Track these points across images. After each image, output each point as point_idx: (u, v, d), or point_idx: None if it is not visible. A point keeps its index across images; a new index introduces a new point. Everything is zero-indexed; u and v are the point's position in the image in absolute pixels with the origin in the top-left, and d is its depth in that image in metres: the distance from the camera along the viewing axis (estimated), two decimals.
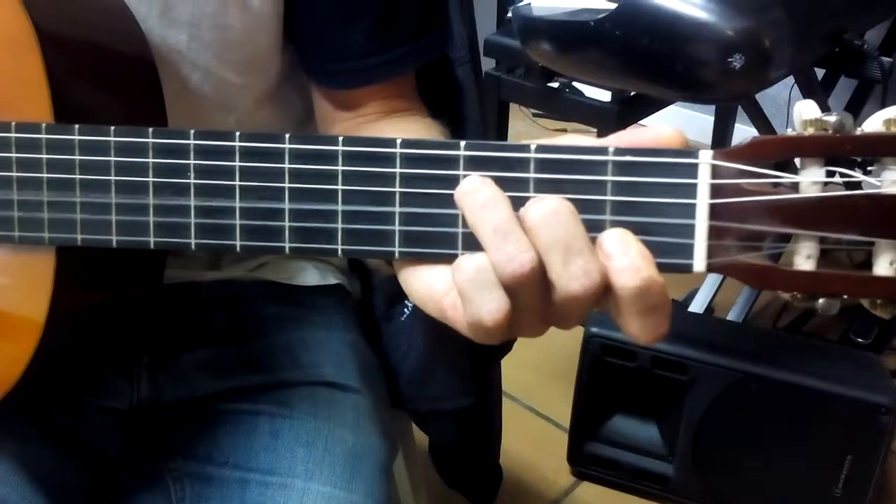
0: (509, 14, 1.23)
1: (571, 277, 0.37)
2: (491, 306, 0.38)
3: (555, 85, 1.62)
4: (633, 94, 1.57)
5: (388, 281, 0.80)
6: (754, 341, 1.32)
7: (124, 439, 0.68)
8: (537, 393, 1.53)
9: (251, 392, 0.67)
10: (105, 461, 0.67)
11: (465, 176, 0.40)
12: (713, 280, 1.59)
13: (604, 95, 1.59)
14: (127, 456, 0.67)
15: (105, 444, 0.67)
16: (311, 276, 0.75)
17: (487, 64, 1.66)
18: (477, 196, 0.39)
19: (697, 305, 1.58)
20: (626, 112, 1.59)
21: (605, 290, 0.38)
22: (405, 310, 0.78)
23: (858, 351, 1.50)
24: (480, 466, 0.96)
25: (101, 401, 0.67)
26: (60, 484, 0.63)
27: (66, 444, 0.65)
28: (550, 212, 0.38)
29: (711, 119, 2.08)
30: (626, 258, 0.37)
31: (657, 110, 1.77)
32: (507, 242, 0.38)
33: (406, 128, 0.64)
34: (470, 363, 0.78)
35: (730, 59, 0.94)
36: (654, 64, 1.01)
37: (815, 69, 1.32)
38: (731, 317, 1.56)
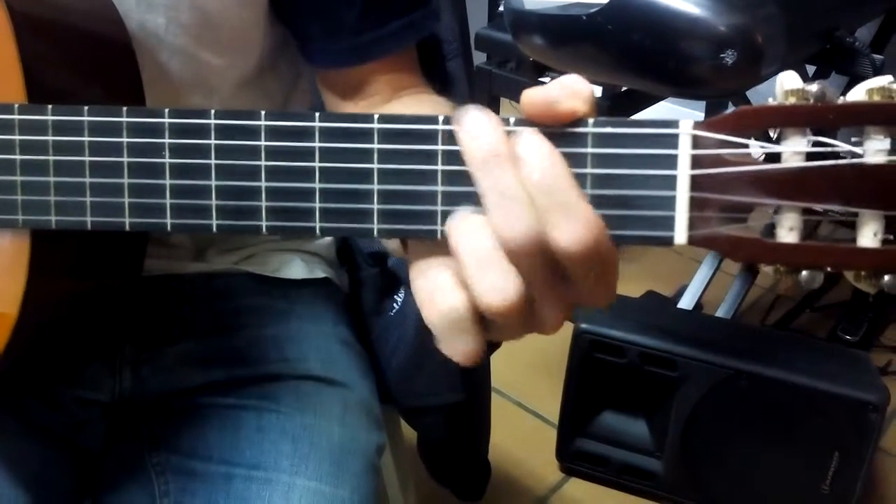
0: (501, 8, 1.22)
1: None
2: (463, 348, 0.38)
3: (546, 79, 1.61)
4: (624, 89, 1.57)
5: (377, 275, 0.79)
6: (743, 338, 1.32)
7: (107, 432, 0.67)
8: (526, 389, 1.53)
9: (236, 386, 0.67)
10: (88, 454, 0.66)
11: (443, 151, 0.39)
12: (702, 277, 1.59)
13: (595, 90, 1.58)
14: (110, 449, 0.67)
15: (88, 438, 0.66)
16: (297, 268, 0.74)
17: (478, 58, 1.66)
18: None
19: (686, 302, 1.58)
20: (618, 107, 1.59)
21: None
22: (394, 304, 0.78)
23: (847, 348, 1.51)
24: (469, 462, 0.96)
25: (84, 393, 0.67)
26: (42, 478, 0.62)
27: (47, 437, 0.64)
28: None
29: (702, 115, 2.08)
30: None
31: (648, 105, 1.77)
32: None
33: (419, 109, 0.63)
34: None
35: (722, 55, 0.94)
36: (647, 59, 1.01)
37: (807, 66, 1.32)
38: (720, 313, 1.56)
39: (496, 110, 1.82)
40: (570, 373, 1.29)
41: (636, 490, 1.32)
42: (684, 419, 1.23)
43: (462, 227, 0.38)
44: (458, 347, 0.38)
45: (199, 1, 0.59)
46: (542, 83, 1.41)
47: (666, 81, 1.03)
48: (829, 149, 0.36)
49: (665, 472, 1.29)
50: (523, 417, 1.50)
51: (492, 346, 0.84)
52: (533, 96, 0.38)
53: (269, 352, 0.69)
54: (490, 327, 0.39)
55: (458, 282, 0.38)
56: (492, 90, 1.69)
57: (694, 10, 0.95)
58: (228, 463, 0.63)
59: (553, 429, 1.37)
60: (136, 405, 0.67)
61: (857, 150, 0.35)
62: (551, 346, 1.55)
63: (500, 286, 0.37)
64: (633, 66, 1.03)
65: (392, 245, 0.49)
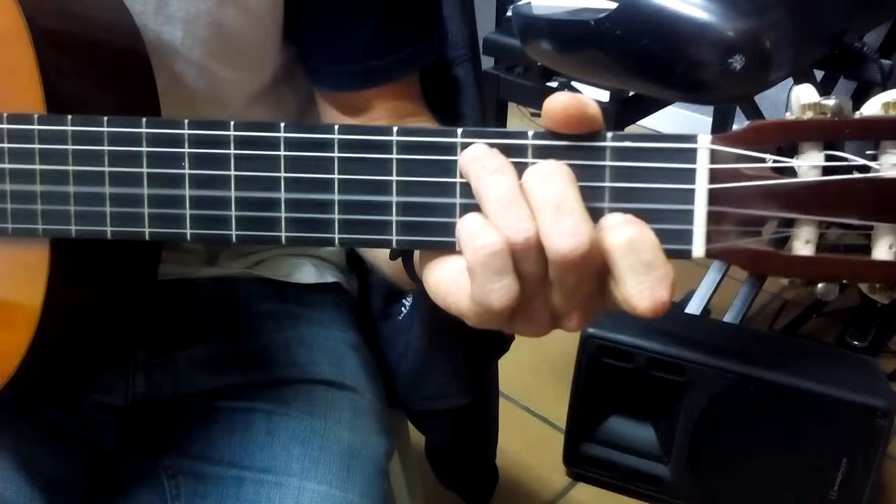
0: (509, 13, 1.22)
1: (560, 235, 0.36)
2: (501, 291, 0.37)
3: (554, 84, 1.62)
4: (631, 94, 1.57)
5: (385, 280, 0.79)
6: (751, 343, 1.32)
7: (120, 435, 0.67)
8: (534, 393, 1.53)
9: (247, 389, 0.67)
10: (101, 457, 0.67)
11: None
12: (710, 282, 1.59)
13: (602, 95, 1.58)
14: (122, 452, 0.67)
15: (101, 440, 0.67)
16: (308, 273, 0.74)
17: (486, 62, 1.65)
18: (486, 162, 0.39)
19: (694, 307, 1.57)
20: (625, 112, 1.59)
21: (602, 265, 0.37)
22: (403, 308, 0.78)
23: (855, 354, 1.51)
24: (476, 466, 0.96)
25: (98, 397, 0.67)
26: (56, 479, 0.62)
27: (62, 439, 0.65)
28: (545, 173, 0.38)
29: (710, 120, 2.08)
30: (618, 219, 0.38)
31: (656, 111, 1.77)
32: (510, 211, 0.37)
33: None
34: (467, 363, 0.78)
35: (730, 60, 0.94)
36: (654, 64, 1.01)
37: (815, 71, 1.32)
38: (727, 318, 1.55)
39: (503, 115, 1.81)
40: (577, 377, 1.29)
41: (643, 495, 1.32)
42: (692, 424, 1.23)
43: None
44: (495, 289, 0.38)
45: (216, 17, 0.59)
46: (550, 88, 1.41)
47: (674, 87, 1.03)
48: (845, 163, 0.36)
49: (672, 478, 1.28)
50: (530, 422, 1.49)
51: (499, 351, 0.84)
52: (562, 100, 0.38)
53: (279, 356, 0.69)
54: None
55: (488, 222, 0.38)
56: (499, 95, 1.69)
57: (702, 15, 0.95)
58: (238, 466, 0.63)
59: (560, 433, 1.37)
60: (149, 409, 0.67)
61: (873, 164, 0.36)
62: (558, 350, 1.55)
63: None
64: (641, 71, 1.03)
65: (400, 276, 0.49)
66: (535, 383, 1.54)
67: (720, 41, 0.95)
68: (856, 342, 1.59)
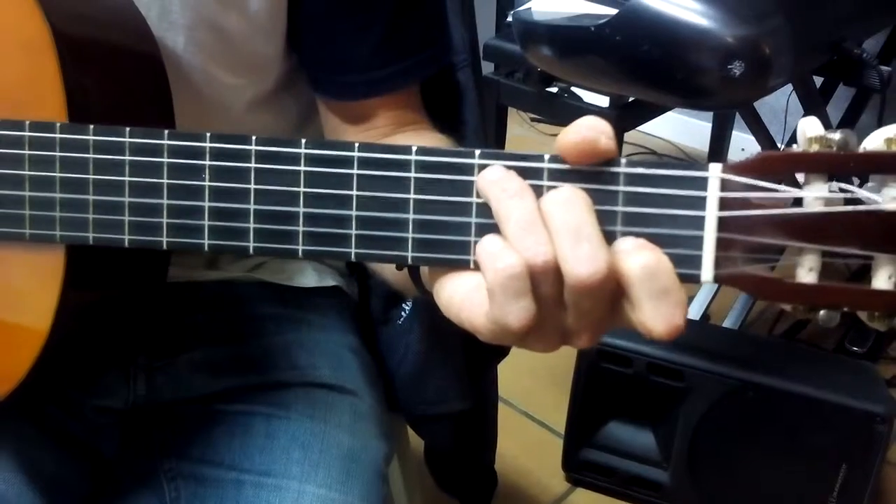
0: (509, 18, 1.23)
1: (578, 260, 0.37)
2: (519, 312, 0.38)
3: (553, 90, 1.62)
4: (631, 99, 1.58)
5: (385, 284, 0.80)
6: (750, 349, 1.32)
7: (121, 439, 0.68)
8: (533, 398, 1.53)
9: (247, 393, 0.67)
10: (102, 460, 0.67)
11: None
12: (709, 287, 1.59)
13: (602, 101, 1.59)
14: (122, 455, 0.67)
15: (102, 444, 0.67)
16: (309, 277, 0.75)
17: (486, 68, 1.66)
18: (506, 185, 0.39)
19: (693, 312, 1.58)
20: (625, 117, 1.59)
21: (617, 288, 0.38)
22: (402, 313, 0.78)
23: (854, 359, 1.51)
24: (475, 471, 0.96)
25: (99, 400, 0.67)
26: (57, 482, 0.63)
27: (63, 442, 0.65)
28: (564, 199, 0.38)
29: (709, 125, 2.08)
30: (632, 243, 0.38)
31: (655, 116, 1.78)
32: (529, 234, 0.38)
33: (421, 142, 0.63)
34: (467, 367, 0.78)
35: (730, 67, 0.94)
36: (654, 70, 1.01)
37: (814, 77, 1.32)
38: (727, 324, 1.56)
39: (503, 120, 1.81)
40: (576, 383, 1.29)
41: (642, 500, 1.32)
42: (691, 430, 1.23)
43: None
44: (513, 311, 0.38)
45: (218, 23, 0.60)
46: (550, 93, 1.40)
47: (673, 92, 1.04)
48: (849, 195, 0.37)
49: (671, 483, 1.28)
50: (529, 427, 1.49)
51: (499, 355, 0.84)
52: (573, 138, 0.39)
53: (280, 359, 0.70)
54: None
55: (507, 245, 0.39)
56: (499, 100, 1.69)
57: (702, 21, 0.96)
58: (238, 469, 0.63)
59: (559, 439, 1.37)
60: (149, 412, 0.68)
61: (875, 196, 0.37)
62: (558, 355, 1.54)
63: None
64: (641, 76, 1.04)
65: (404, 284, 0.49)
66: (534, 388, 1.54)
67: (720, 47, 0.95)
68: (855, 348, 1.59)
